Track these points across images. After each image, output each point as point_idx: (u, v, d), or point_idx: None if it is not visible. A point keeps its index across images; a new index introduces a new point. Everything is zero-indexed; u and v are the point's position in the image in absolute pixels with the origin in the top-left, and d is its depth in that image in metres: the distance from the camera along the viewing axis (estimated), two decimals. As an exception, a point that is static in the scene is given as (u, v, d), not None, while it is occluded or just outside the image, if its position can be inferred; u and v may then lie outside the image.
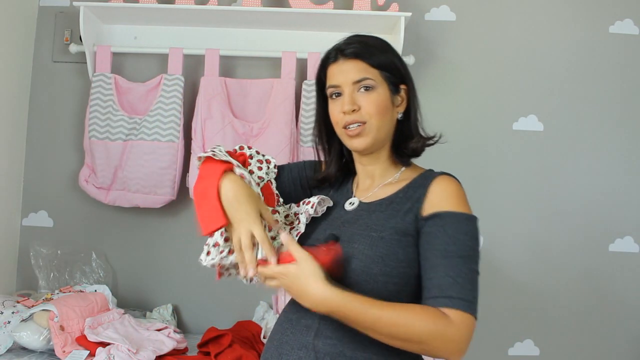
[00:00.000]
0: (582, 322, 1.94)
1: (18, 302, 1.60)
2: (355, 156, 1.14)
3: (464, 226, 0.96)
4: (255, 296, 1.88)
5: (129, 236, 1.94)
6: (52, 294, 1.64)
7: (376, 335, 0.90)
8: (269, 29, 1.95)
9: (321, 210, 1.10)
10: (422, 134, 1.11)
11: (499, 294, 1.92)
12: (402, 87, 1.09)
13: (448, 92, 1.96)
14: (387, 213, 1.03)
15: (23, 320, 1.49)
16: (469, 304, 0.91)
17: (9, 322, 1.51)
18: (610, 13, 1.98)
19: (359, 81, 1.05)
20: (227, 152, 1.10)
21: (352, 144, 1.07)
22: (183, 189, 1.86)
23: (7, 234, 1.90)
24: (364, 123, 1.04)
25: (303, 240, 1.06)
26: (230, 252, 0.99)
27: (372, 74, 1.05)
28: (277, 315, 1.23)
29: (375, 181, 1.11)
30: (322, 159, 1.19)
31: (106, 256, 1.92)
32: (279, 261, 0.94)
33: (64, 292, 1.65)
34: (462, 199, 1.01)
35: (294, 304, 1.04)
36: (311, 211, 1.06)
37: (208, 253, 1.00)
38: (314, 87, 1.86)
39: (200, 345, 1.62)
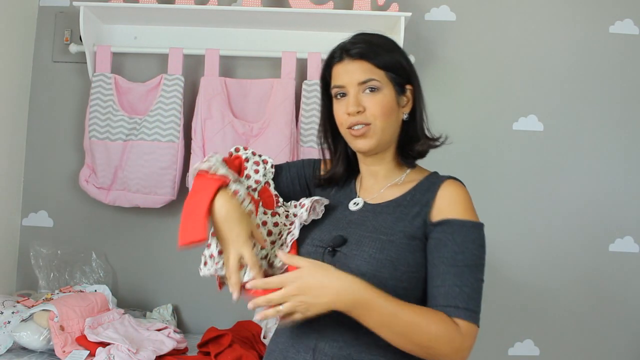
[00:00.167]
0: (582, 322, 1.94)
1: (18, 302, 1.60)
2: (360, 156, 1.13)
3: (472, 234, 0.97)
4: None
5: (129, 236, 1.94)
6: (52, 294, 1.64)
7: (388, 333, 0.89)
8: (269, 29, 1.95)
9: (320, 211, 1.09)
10: (428, 135, 1.11)
11: (499, 294, 1.92)
12: (408, 87, 1.09)
13: (448, 92, 1.96)
14: (395, 216, 1.02)
15: (23, 320, 1.49)
16: (474, 315, 0.93)
17: (9, 322, 1.51)
18: (610, 13, 1.98)
19: (364, 82, 1.04)
20: (224, 158, 1.09)
21: (356, 144, 1.07)
22: (183, 189, 1.86)
23: (7, 234, 1.90)
24: (369, 124, 1.04)
25: (307, 240, 1.06)
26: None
27: (378, 75, 1.04)
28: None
29: (380, 181, 1.11)
30: (328, 158, 1.18)
31: (106, 256, 1.92)
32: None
33: (64, 292, 1.65)
34: (470, 205, 1.01)
35: None
36: (305, 216, 1.05)
37: (205, 263, 1.01)
38: (314, 87, 1.88)
39: (200, 345, 1.62)
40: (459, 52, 1.98)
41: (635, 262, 1.95)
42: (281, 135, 1.81)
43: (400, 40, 1.77)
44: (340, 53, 1.08)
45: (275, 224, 1.11)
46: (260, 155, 1.16)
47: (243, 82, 1.89)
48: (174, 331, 1.63)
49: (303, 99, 1.85)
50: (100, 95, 1.84)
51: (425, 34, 1.97)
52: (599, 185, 1.96)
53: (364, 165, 1.13)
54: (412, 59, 1.80)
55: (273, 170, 1.16)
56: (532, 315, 1.94)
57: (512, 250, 1.94)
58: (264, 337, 1.66)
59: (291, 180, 1.18)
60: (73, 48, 1.89)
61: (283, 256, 0.93)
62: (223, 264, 0.98)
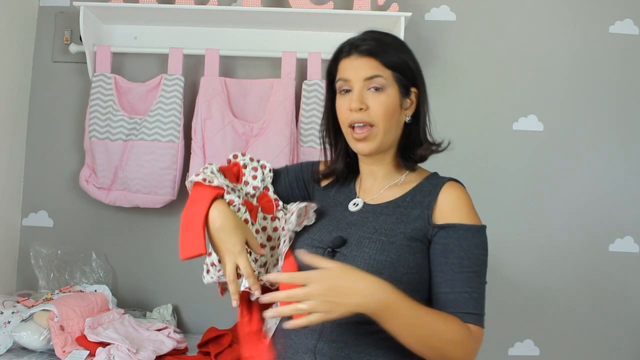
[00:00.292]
0: (582, 322, 1.94)
1: (18, 302, 1.60)
2: (360, 155, 1.13)
3: (477, 239, 0.98)
4: (255, 296, 1.88)
5: (129, 236, 1.94)
6: (52, 294, 1.64)
7: (408, 337, 0.88)
8: (269, 29, 1.95)
9: (312, 215, 1.08)
10: (430, 139, 1.10)
11: (499, 294, 1.92)
12: (413, 90, 1.08)
13: (448, 92, 1.96)
14: (395, 217, 1.02)
15: (23, 320, 1.49)
16: (482, 318, 0.95)
17: (9, 322, 1.51)
18: (610, 13, 1.98)
19: (370, 78, 1.03)
20: (220, 167, 1.09)
21: (357, 146, 1.06)
22: (183, 189, 1.86)
23: (7, 234, 1.90)
24: (371, 126, 1.03)
25: (306, 241, 1.06)
26: None
27: (384, 74, 1.03)
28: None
29: (379, 182, 1.10)
30: (328, 153, 1.18)
31: (106, 256, 1.92)
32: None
33: (64, 292, 1.65)
34: (472, 208, 1.02)
35: None
36: (294, 223, 1.05)
37: (207, 271, 1.03)
38: (314, 87, 1.88)
39: (200, 345, 1.62)
40: (459, 52, 1.98)
41: (635, 262, 1.95)
42: (281, 135, 1.81)
43: (400, 40, 1.77)
44: (348, 48, 1.07)
45: (275, 229, 1.10)
46: (258, 161, 1.15)
47: (243, 82, 1.89)
48: (174, 331, 1.63)
49: (303, 99, 1.85)
50: (100, 96, 1.84)
51: (425, 34, 1.97)
52: (599, 185, 1.96)
53: (364, 164, 1.13)
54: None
55: (271, 174, 1.15)
56: (532, 315, 1.94)
57: (512, 250, 1.94)
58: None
59: (289, 184, 1.18)
60: (73, 48, 1.89)
61: (305, 256, 0.89)
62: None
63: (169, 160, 1.81)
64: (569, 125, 1.97)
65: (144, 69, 1.95)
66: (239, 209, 1.03)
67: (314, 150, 1.80)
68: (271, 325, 1.63)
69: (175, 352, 1.57)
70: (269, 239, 1.09)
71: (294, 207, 1.06)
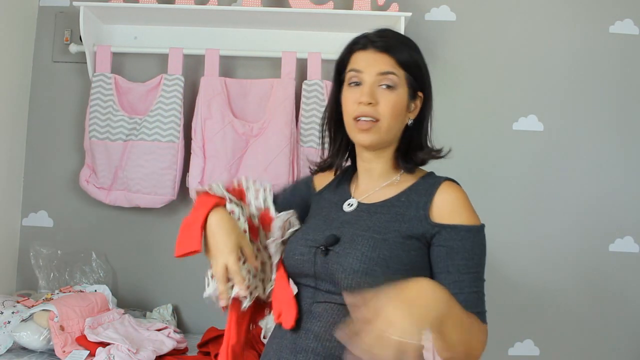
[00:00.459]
0: (582, 322, 1.94)
1: (18, 302, 1.60)
2: (358, 151, 1.13)
3: (478, 239, 0.99)
4: (255, 296, 1.88)
5: (129, 236, 1.94)
6: (52, 294, 1.64)
7: (447, 340, 0.83)
8: (269, 29, 1.95)
9: (295, 221, 1.10)
10: (429, 145, 1.11)
11: (499, 294, 1.92)
12: (419, 94, 1.09)
13: (448, 92, 1.96)
14: (389, 216, 1.02)
15: (23, 320, 1.49)
16: (485, 315, 0.97)
17: (9, 322, 1.51)
18: (610, 13, 1.98)
19: (384, 74, 1.03)
20: (226, 187, 1.11)
21: (358, 137, 1.06)
22: (183, 189, 1.86)
23: (7, 234, 1.90)
24: (377, 120, 1.03)
25: (300, 241, 1.06)
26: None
27: (398, 72, 1.04)
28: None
29: (375, 180, 1.10)
30: (326, 145, 1.18)
31: (106, 256, 1.92)
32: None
33: (64, 292, 1.65)
34: (471, 207, 1.02)
35: None
36: (278, 234, 1.07)
37: (208, 284, 1.03)
38: (314, 87, 1.88)
39: (200, 345, 1.62)
40: (459, 52, 1.98)
41: (635, 262, 1.95)
42: (281, 135, 1.81)
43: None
44: (365, 42, 1.07)
45: None
46: (261, 184, 1.16)
47: (243, 82, 1.89)
48: (174, 331, 1.63)
49: (303, 99, 1.85)
50: (100, 96, 1.84)
51: (425, 34, 1.96)
52: (599, 185, 1.96)
53: (361, 161, 1.13)
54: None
55: (271, 194, 1.16)
56: (532, 315, 1.94)
57: (512, 250, 1.94)
58: (264, 337, 1.66)
59: (287, 202, 1.18)
60: (73, 48, 1.89)
61: (350, 298, 0.81)
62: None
63: (169, 160, 1.81)
64: (569, 125, 1.97)
65: (144, 69, 1.95)
66: (238, 218, 1.04)
67: (314, 150, 1.80)
68: (271, 325, 1.63)
69: (175, 352, 1.57)
70: (270, 256, 1.10)
71: (277, 219, 1.08)
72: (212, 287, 1.01)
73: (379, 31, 1.08)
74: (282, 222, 1.07)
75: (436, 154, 1.10)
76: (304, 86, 1.86)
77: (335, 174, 1.19)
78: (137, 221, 1.94)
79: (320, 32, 1.93)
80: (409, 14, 1.79)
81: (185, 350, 1.63)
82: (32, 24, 1.98)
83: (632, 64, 1.98)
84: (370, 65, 1.04)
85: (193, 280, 1.92)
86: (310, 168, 1.21)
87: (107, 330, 1.50)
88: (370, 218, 1.03)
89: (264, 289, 1.08)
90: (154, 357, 1.47)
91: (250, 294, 1.02)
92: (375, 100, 1.03)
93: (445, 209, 1.00)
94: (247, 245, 1.02)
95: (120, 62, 1.95)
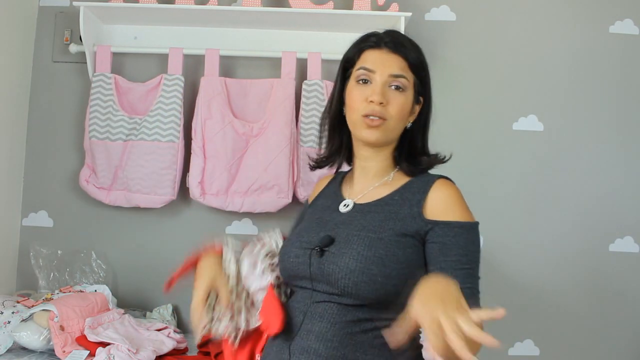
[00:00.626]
0: (582, 322, 1.94)
1: (18, 302, 1.59)
2: (357, 149, 1.13)
3: (472, 236, 1.00)
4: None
5: (129, 236, 1.94)
6: (52, 294, 1.64)
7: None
8: (269, 29, 1.95)
9: (279, 235, 1.15)
10: (426, 150, 1.13)
11: (499, 294, 1.92)
12: (421, 99, 1.11)
13: (448, 92, 1.95)
14: (383, 215, 1.03)
15: (23, 320, 1.48)
16: None
17: (9, 322, 1.51)
18: (610, 13, 1.98)
19: (395, 76, 1.04)
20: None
21: (365, 134, 1.06)
22: (183, 189, 1.86)
23: (7, 234, 1.90)
24: (385, 119, 1.04)
25: (295, 243, 1.08)
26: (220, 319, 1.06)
27: (408, 76, 1.06)
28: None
29: (369, 180, 1.11)
30: (324, 140, 1.19)
31: (106, 256, 1.91)
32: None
33: (64, 292, 1.64)
34: (465, 204, 1.03)
35: (293, 309, 1.04)
36: (262, 254, 1.11)
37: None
38: (314, 87, 1.88)
39: (200, 345, 1.62)
40: (459, 52, 1.98)
41: (635, 262, 1.95)
42: (281, 135, 1.81)
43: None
44: (376, 40, 1.08)
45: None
46: (274, 231, 1.20)
47: (243, 82, 1.89)
48: (174, 331, 1.63)
49: (303, 99, 1.85)
50: (100, 96, 1.84)
51: (425, 34, 1.96)
52: (599, 185, 1.96)
53: (358, 160, 1.14)
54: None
55: (281, 236, 1.19)
56: (532, 315, 1.94)
57: (512, 250, 1.94)
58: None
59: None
60: (73, 48, 1.89)
61: (391, 337, 0.82)
62: (217, 319, 1.06)
63: (169, 160, 1.81)
64: (569, 125, 1.97)
65: (144, 69, 1.95)
66: (229, 262, 1.11)
67: (314, 150, 1.79)
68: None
69: (175, 352, 1.57)
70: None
71: (265, 238, 1.15)
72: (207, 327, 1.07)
73: (389, 31, 1.09)
74: (270, 242, 1.13)
75: (441, 159, 1.11)
76: (304, 86, 1.86)
77: (336, 172, 1.21)
78: (137, 221, 1.94)
79: (320, 32, 1.93)
80: (409, 14, 1.79)
81: (185, 350, 1.63)
82: (32, 24, 1.97)
83: (632, 64, 1.98)
84: (383, 66, 1.05)
85: (193, 281, 1.93)
86: (309, 164, 1.22)
87: (107, 330, 1.50)
88: (364, 217, 1.04)
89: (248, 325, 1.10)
90: (154, 357, 1.46)
91: (235, 335, 1.06)
92: (387, 100, 1.04)
93: (439, 206, 1.01)
94: (222, 287, 1.05)
95: (120, 62, 1.95)
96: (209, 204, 1.83)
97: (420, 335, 1.05)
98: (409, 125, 1.10)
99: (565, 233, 1.94)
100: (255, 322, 1.07)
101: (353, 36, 1.14)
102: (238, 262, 1.11)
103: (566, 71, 1.98)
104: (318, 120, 1.75)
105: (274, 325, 1.00)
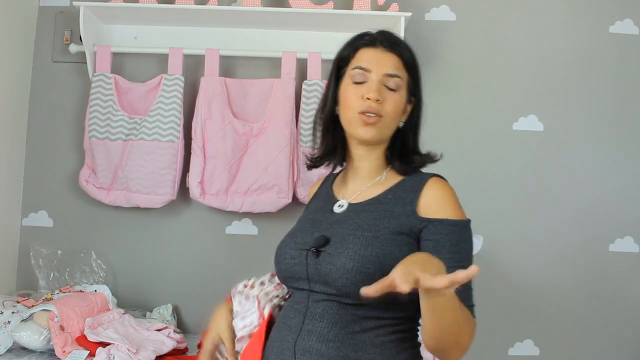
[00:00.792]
0: (582, 322, 1.94)
1: (18, 302, 1.60)
2: (351, 148, 1.13)
3: (464, 234, 1.00)
4: (255, 296, 1.88)
5: (129, 236, 1.94)
6: (52, 294, 1.64)
7: (440, 317, 0.87)
8: (269, 29, 1.95)
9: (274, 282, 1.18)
10: (418, 149, 1.13)
11: (499, 294, 1.92)
12: (413, 99, 1.11)
13: (448, 92, 1.96)
14: (377, 213, 1.03)
15: (23, 320, 1.48)
16: (474, 309, 0.97)
17: (9, 322, 1.51)
18: (610, 13, 1.98)
19: (390, 75, 1.05)
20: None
21: (360, 130, 1.06)
22: (183, 189, 1.86)
23: (7, 234, 1.90)
24: (381, 117, 1.05)
25: (290, 245, 1.08)
26: None
27: (403, 75, 1.07)
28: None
29: (362, 180, 1.11)
30: (319, 139, 1.18)
31: (106, 256, 1.91)
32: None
33: (64, 292, 1.65)
34: (458, 202, 1.03)
35: (292, 310, 1.04)
36: (256, 291, 1.14)
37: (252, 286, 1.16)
38: (314, 87, 1.88)
39: (200, 346, 1.62)
40: (459, 52, 1.98)
41: (635, 262, 1.95)
42: (281, 135, 1.81)
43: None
44: (372, 39, 1.08)
45: None
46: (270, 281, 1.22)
47: (243, 82, 1.89)
48: (174, 331, 1.63)
49: (303, 99, 1.85)
50: (100, 95, 1.84)
51: (425, 34, 1.96)
52: (599, 185, 1.96)
53: (352, 160, 1.14)
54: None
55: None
56: (532, 315, 1.94)
57: (512, 250, 1.94)
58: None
59: None
60: (73, 48, 1.89)
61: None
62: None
63: (169, 160, 1.81)
64: (569, 125, 1.97)
65: (144, 69, 1.95)
66: (235, 315, 1.15)
67: (314, 150, 1.80)
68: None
69: (175, 352, 1.57)
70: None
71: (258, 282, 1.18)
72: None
73: (383, 31, 1.10)
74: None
75: (433, 158, 1.12)
76: (304, 86, 1.86)
77: (332, 171, 1.22)
78: (137, 221, 1.94)
79: (320, 32, 1.93)
80: (409, 14, 1.79)
81: (185, 350, 1.63)
82: (32, 24, 1.97)
83: (632, 64, 1.98)
84: (378, 65, 1.05)
85: (193, 280, 1.93)
86: (306, 163, 1.23)
87: (107, 330, 1.50)
88: (358, 217, 1.04)
89: None
90: (154, 357, 1.46)
91: None
92: (383, 98, 1.04)
93: (432, 203, 1.01)
94: (227, 341, 1.13)
95: (120, 62, 1.95)
96: (209, 204, 1.83)
97: (419, 333, 1.05)
98: (401, 124, 1.10)
99: (565, 233, 1.94)
100: None
101: (352, 36, 1.14)
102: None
103: (566, 71, 1.98)
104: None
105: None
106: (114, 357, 1.39)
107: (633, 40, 1.98)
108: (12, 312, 1.54)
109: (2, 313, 1.53)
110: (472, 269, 0.72)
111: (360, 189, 1.10)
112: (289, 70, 1.86)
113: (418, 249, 1.00)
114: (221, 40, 1.94)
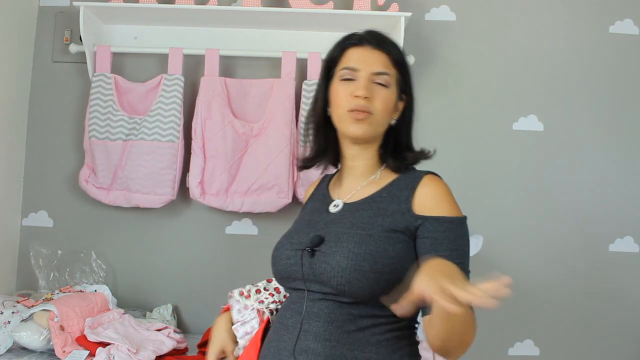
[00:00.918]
0: (582, 322, 1.94)
1: (18, 302, 1.60)
2: (344, 147, 1.13)
3: (461, 231, 1.00)
4: (255, 296, 1.88)
5: (129, 236, 1.94)
6: (52, 294, 1.64)
7: (455, 326, 0.88)
8: (269, 29, 1.95)
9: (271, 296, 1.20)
10: (411, 146, 1.13)
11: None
12: (404, 96, 1.11)
13: (448, 92, 1.96)
14: (372, 212, 1.03)
15: (23, 320, 1.48)
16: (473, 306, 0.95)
17: (9, 322, 1.51)
18: (610, 13, 1.98)
19: (378, 73, 1.06)
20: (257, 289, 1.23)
21: (351, 128, 1.06)
22: (183, 189, 1.86)
23: (7, 234, 1.90)
24: (371, 113, 1.05)
25: (285, 245, 1.08)
26: None
27: (391, 72, 1.07)
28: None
29: (357, 179, 1.12)
30: (311, 140, 1.19)
31: (106, 256, 1.91)
32: None
33: (64, 292, 1.65)
34: (454, 200, 1.04)
35: (289, 310, 1.04)
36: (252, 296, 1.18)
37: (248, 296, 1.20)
38: (314, 87, 1.87)
39: (200, 345, 1.62)
40: (459, 52, 1.98)
41: (635, 262, 1.95)
42: (281, 135, 1.81)
43: (400, 40, 1.77)
44: (359, 38, 1.09)
45: None
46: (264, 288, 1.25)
47: (243, 82, 1.89)
48: (174, 331, 1.63)
49: (303, 99, 1.85)
50: (100, 95, 1.84)
51: (425, 34, 1.96)
52: (599, 185, 1.96)
53: (345, 160, 1.14)
54: (412, 59, 1.83)
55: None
56: (532, 315, 1.94)
57: (511, 250, 1.94)
58: (264, 337, 1.67)
59: None
60: (73, 48, 1.89)
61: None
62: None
63: (169, 160, 1.81)
64: (569, 125, 1.97)
65: (144, 69, 1.95)
66: (236, 322, 1.19)
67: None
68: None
69: (175, 352, 1.57)
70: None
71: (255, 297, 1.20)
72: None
73: (370, 30, 1.11)
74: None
75: (426, 155, 1.12)
76: (304, 86, 1.86)
77: (322, 173, 1.22)
78: (137, 221, 1.94)
79: (320, 32, 1.93)
80: (409, 14, 1.79)
81: (185, 350, 1.63)
82: (32, 24, 1.97)
83: (632, 64, 1.98)
84: (366, 63, 1.06)
85: (193, 280, 1.93)
86: (297, 165, 1.23)
87: (107, 330, 1.50)
88: (353, 215, 1.04)
89: None
90: (154, 357, 1.46)
91: None
92: (371, 94, 1.05)
93: (427, 201, 1.01)
94: (230, 355, 1.16)
95: (120, 62, 1.95)
96: (209, 204, 1.83)
97: (417, 331, 1.05)
98: (393, 122, 1.10)
99: (565, 233, 1.94)
100: None
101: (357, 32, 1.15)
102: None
103: (566, 71, 1.98)
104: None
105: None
106: (114, 357, 1.39)
107: (633, 40, 1.98)
108: (12, 312, 1.54)
109: (2, 313, 1.53)
110: (506, 280, 0.70)
111: (355, 189, 1.10)
112: (289, 70, 1.86)
113: (413, 246, 1.00)
114: (221, 40, 1.94)
